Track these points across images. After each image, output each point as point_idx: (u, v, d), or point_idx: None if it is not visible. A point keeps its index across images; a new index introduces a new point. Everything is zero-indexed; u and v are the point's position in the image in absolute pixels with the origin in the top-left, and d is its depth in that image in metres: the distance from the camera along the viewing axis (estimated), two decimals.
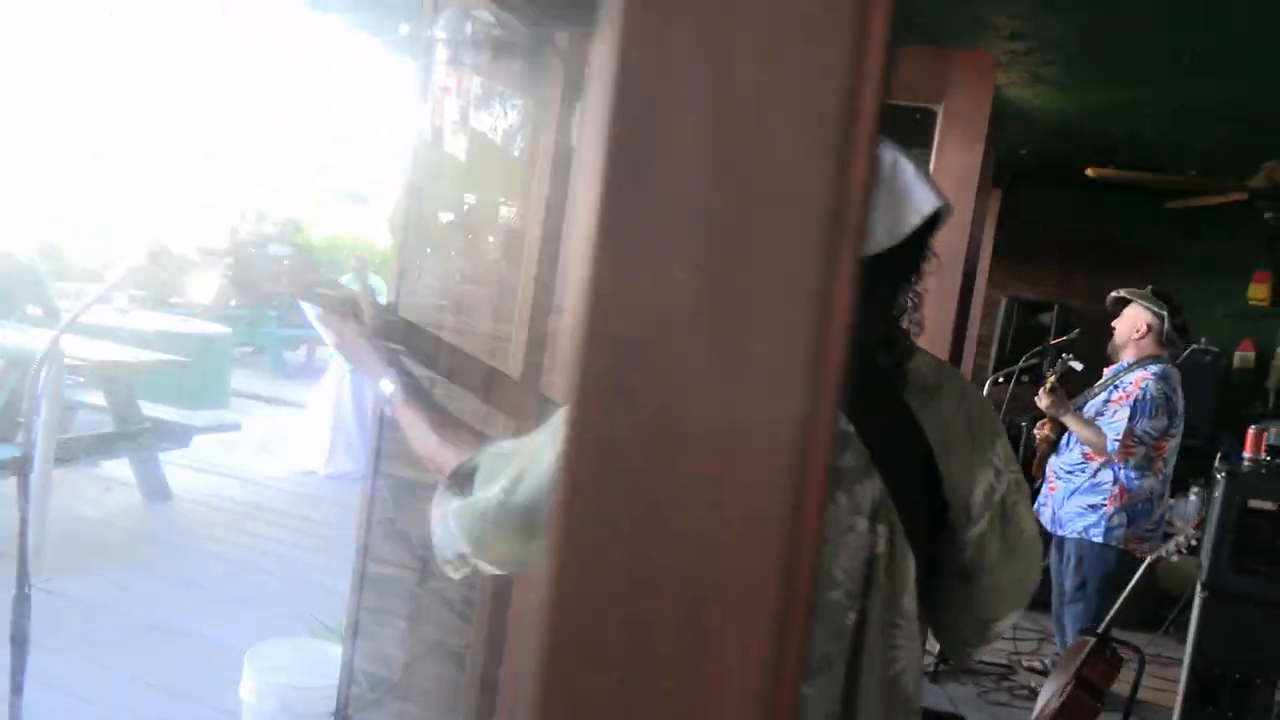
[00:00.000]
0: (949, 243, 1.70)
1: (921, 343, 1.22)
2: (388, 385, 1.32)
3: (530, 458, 1.08)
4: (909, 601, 1.11)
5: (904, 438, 1.12)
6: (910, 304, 1.16)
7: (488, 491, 1.09)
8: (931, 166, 2.48)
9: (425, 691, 2.70)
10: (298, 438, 6.87)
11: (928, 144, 2.52)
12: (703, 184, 0.29)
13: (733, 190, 0.29)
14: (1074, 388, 4.13)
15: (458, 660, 2.68)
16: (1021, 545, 1.22)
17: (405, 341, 1.35)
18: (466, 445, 1.23)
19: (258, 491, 6.15)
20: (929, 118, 2.54)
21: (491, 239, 2.77)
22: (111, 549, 4.83)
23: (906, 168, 1.11)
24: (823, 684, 1.07)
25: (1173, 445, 3.97)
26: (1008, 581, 1.22)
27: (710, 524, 0.30)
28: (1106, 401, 3.97)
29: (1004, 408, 4.27)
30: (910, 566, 1.10)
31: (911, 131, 2.72)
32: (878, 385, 1.12)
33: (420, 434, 1.29)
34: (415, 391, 1.33)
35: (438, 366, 1.39)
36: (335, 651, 3.13)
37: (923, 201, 1.10)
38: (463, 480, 1.14)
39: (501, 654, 2.61)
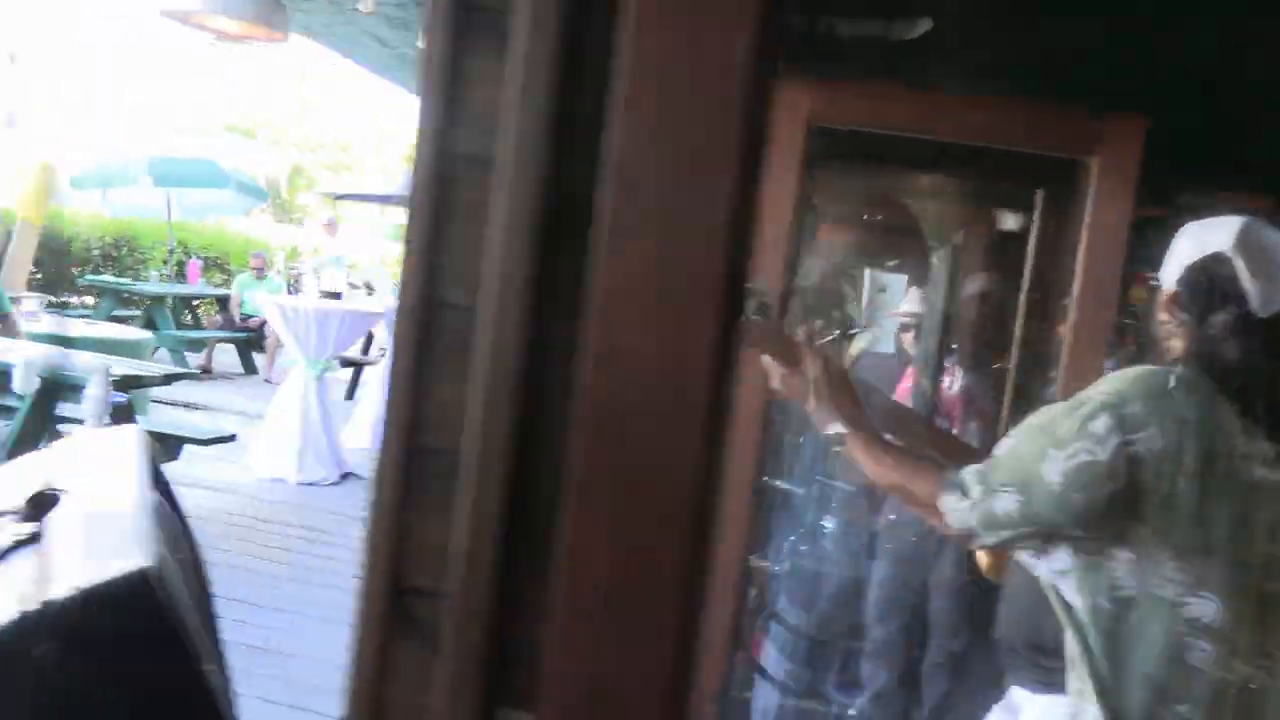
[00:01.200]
0: None
1: None
2: (838, 429, 1.41)
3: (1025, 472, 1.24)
4: None
5: None
6: None
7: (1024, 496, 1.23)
8: (1087, 216, 2.65)
9: None
10: (261, 446, 6.72)
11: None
12: None
13: None
14: None
15: None
16: None
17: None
18: (931, 474, 1.33)
19: (238, 501, 5.93)
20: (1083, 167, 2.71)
21: None
22: None
23: None
24: None
25: None
26: None
27: None
28: None
29: None
30: None
31: (1066, 184, 2.91)
32: None
33: (883, 471, 1.39)
34: (868, 432, 1.41)
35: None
36: None
37: None
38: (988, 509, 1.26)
39: None
